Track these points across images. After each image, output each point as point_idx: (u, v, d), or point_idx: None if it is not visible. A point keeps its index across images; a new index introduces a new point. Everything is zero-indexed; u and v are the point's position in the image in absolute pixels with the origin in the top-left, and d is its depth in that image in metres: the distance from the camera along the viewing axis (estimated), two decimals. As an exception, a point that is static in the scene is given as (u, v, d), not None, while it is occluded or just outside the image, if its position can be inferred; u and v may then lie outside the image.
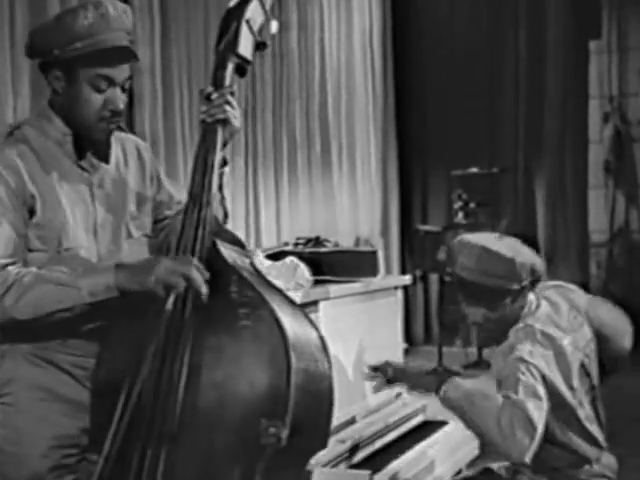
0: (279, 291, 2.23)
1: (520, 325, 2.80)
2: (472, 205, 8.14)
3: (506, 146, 8.95)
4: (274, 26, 2.42)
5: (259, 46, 2.37)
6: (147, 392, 2.13)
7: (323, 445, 2.22)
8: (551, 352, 2.73)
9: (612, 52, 8.56)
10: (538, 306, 2.87)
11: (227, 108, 2.29)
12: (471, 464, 3.46)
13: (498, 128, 9.00)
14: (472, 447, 3.48)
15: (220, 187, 2.38)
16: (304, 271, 3.17)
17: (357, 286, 3.40)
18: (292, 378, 2.03)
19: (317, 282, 3.29)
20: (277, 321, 2.07)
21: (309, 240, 3.90)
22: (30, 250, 2.28)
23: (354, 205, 8.37)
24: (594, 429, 2.86)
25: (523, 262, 2.83)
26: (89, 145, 2.36)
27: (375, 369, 3.02)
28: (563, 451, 2.80)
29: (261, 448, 2.02)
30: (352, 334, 3.24)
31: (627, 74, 8.52)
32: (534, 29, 8.80)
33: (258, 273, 2.27)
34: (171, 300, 2.12)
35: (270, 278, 2.35)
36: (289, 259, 3.21)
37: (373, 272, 3.54)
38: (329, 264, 3.49)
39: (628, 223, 8.56)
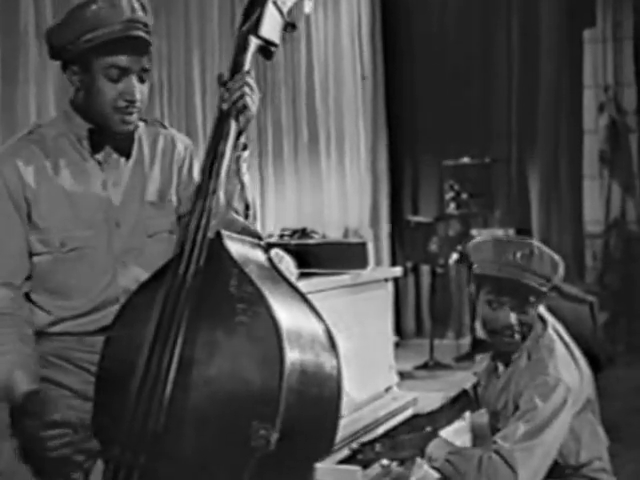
0: (290, 285, 2.17)
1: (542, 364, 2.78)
2: (464, 196, 8.09)
3: (499, 136, 8.90)
4: (308, 6, 2.36)
5: (288, 27, 2.33)
6: (132, 387, 2.09)
7: (326, 451, 2.16)
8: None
9: (607, 41, 8.47)
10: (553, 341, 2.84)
11: (246, 90, 2.24)
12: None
13: (490, 117, 8.95)
14: (464, 440, 3.41)
15: (238, 173, 2.32)
16: (289, 263, 3.13)
17: (346, 278, 3.35)
18: (284, 379, 1.95)
19: (304, 275, 3.24)
20: (273, 319, 1.99)
21: (295, 231, 3.86)
22: (33, 254, 2.33)
23: (342, 195, 8.30)
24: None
25: (540, 247, 2.81)
26: (108, 139, 2.38)
27: (359, 452, 2.94)
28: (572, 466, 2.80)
29: (251, 450, 1.95)
30: (341, 328, 3.15)
31: (622, 63, 8.44)
32: (527, 17, 8.73)
33: (271, 266, 2.21)
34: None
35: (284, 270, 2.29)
36: (273, 251, 3.17)
37: (362, 264, 3.48)
38: (316, 256, 3.45)
39: (624, 213, 8.50)
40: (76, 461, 2.24)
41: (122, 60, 2.29)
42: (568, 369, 2.76)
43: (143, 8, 2.33)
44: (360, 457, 2.89)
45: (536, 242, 2.87)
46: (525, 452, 2.61)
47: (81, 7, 2.28)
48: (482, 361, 3.06)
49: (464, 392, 3.14)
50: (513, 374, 2.84)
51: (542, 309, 2.91)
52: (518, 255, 2.77)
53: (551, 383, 2.69)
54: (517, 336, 2.80)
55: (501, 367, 2.91)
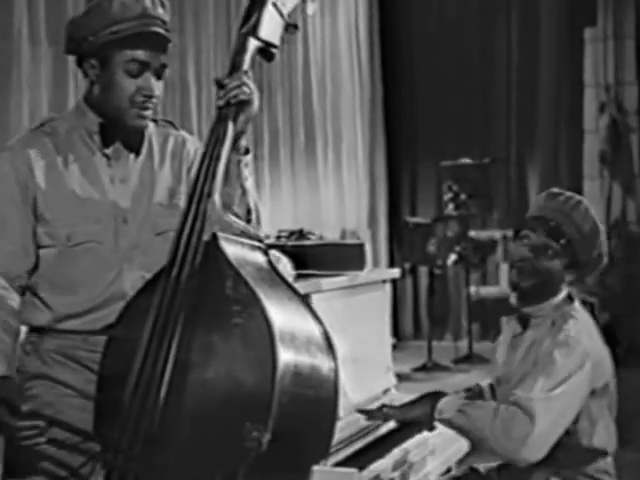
0: (289, 287, 2.18)
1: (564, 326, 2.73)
2: (463, 196, 8.09)
3: (498, 136, 8.91)
4: (311, 8, 2.36)
5: (289, 28, 2.36)
6: (127, 389, 2.10)
7: (323, 454, 2.16)
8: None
9: (608, 39, 8.45)
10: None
11: (244, 89, 2.22)
12: (461, 461, 3.39)
13: (489, 118, 8.97)
14: (463, 444, 3.41)
15: (239, 177, 2.30)
16: (286, 265, 3.09)
17: (343, 280, 3.31)
18: (277, 380, 1.95)
19: (301, 276, 3.20)
20: (267, 320, 1.99)
21: (292, 233, 3.84)
22: (40, 247, 2.35)
23: (340, 196, 8.30)
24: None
25: (588, 208, 2.80)
26: (120, 134, 2.39)
27: (367, 412, 2.90)
28: (584, 449, 2.73)
29: (245, 451, 1.94)
30: (338, 329, 3.12)
31: (624, 62, 8.44)
32: (527, 17, 8.78)
33: (271, 268, 2.22)
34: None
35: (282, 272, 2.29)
36: (270, 252, 3.10)
37: (360, 265, 3.45)
38: (314, 257, 3.42)
39: (625, 214, 8.49)
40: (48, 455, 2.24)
41: (143, 55, 2.31)
42: (590, 337, 2.72)
43: (162, 5, 2.35)
44: (369, 421, 2.91)
45: (587, 202, 2.85)
46: (545, 402, 2.55)
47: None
48: (509, 324, 2.98)
49: (477, 386, 3.10)
50: (534, 344, 2.78)
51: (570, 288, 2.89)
52: (563, 204, 2.78)
53: (571, 343, 2.65)
54: (531, 277, 2.75)
55: (518, 329, 2.85)
